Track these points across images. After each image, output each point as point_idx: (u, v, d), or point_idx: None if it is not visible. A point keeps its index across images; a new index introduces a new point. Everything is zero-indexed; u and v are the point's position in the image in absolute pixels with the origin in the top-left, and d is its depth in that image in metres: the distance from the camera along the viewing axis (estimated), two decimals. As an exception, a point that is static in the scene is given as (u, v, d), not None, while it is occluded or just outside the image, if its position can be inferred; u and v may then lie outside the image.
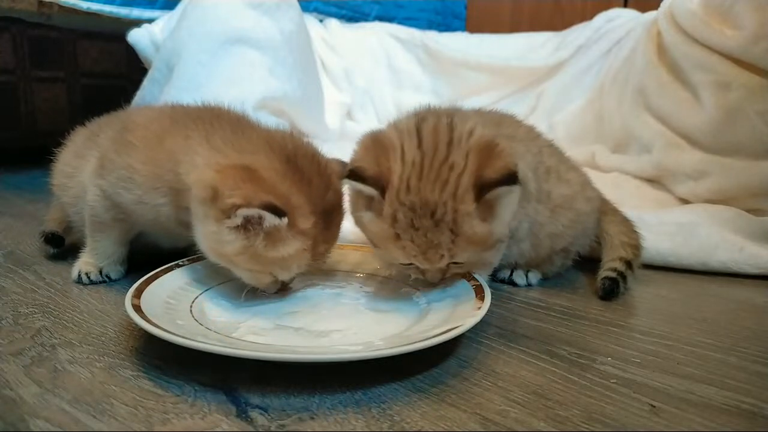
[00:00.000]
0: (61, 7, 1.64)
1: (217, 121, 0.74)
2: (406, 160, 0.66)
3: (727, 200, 1.15)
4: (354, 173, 0.66)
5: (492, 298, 0.69)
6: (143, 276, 0.71)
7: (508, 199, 0.68)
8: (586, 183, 0.92)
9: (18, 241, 1.07)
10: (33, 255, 0.98)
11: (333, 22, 2.31)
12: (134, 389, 0.54)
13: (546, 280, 0.92)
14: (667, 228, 1.03)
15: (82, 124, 0.96)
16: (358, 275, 0.84)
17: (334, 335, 0.64)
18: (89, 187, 0.80)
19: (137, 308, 0.61)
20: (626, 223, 0.93)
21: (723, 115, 1.17)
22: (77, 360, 0.60)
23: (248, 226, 0.64)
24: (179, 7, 1.59)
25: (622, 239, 0.90)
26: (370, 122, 2.04)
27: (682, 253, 1.00)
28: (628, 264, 0.87)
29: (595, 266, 0.91)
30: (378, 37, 2.34)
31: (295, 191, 0.66)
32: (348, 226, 0.75)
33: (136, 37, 1.59)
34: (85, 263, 0.85)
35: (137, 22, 1.68)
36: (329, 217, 0.70)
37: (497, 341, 0.67)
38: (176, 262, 0.78)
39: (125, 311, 0.61)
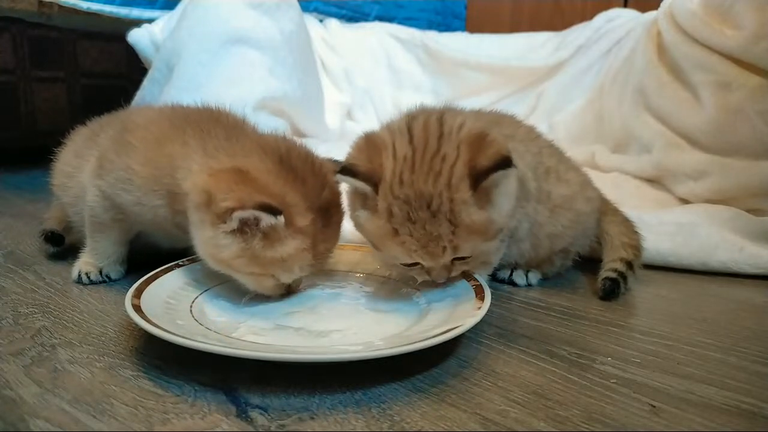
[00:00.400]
0: (61, 7, 1.64)
1: (214, 127, 0.74)
2: (398, 156, 0.66)
3: (727, 200, 1.15)
4: (346, 169, 0.66)
5: (492, 298, 0.69)
6: (143, 276, 0.71)
7: (505, 186, 0.68)
8: (586, 183, 0.92)
9: (18, 241, 1.07)
10: (33, 255, 0.98)
11: (333, 22, 2.31)
12: (134, 389, 0.54)
13: (546, 280, 0.92)
14: (667, 228, 1.03)
15: (82, 124, 0.96)
16: (357, 275, 0.84)
17: (334, 335, 0.64)
18: (89, 188, 0.80)
19: (137, 308, 0.61)
20: (627, 224, 0.93)
21: (723, 115, 1.17)
22: (77, 360, 0.60)
23: (245, 228, 0.64)
24: (179, 7, 1.59)
25: (622, 240, 0.90)
26: (370, 122, 2.03)
27: (682, 253, 1.00)
28: (629, 264, 0.87)
29: (595, 266, 0.91)
30: (378, 37, 2.34)
31: (290, 190, 0.66)
32: (348, 226, 0.75)
33: (136, 37, 1.59)
34: (85, 263, 0.85)
35: (137, 22, 1.68)
36: (327, 215, 0.70)
37: (497, 341, 0.67)
38: (176, 262, 0.78)
39: (125, 311, 0.61)
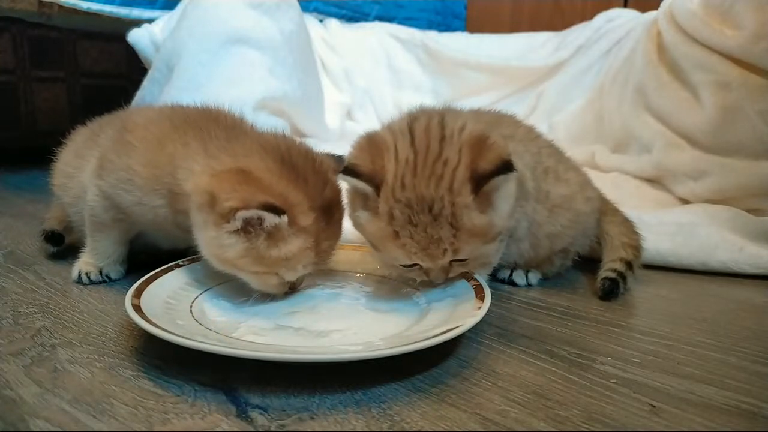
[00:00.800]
0: (61, 7, 1.64)
1: (214, 127, 0.74)
2: (400, 159, 0.66)
3: (727, 200, 1.15)
4: (349, 169, 0.66)
5: (492, 298, 0.69)
6: (143, 276, 0.71)
7: (505, 189, 0.68)
8: (586, 183, 0.92)
9: (18, 241, 1.07)
10: (33, 255, 0.98)
11: (333, 22, 2.31)
12: (134, 389, 0.54)
13: (546, 280, 0.92)
14: (667, 228, 1.03)
15: (82, 124, 0.96)
16: (357, 275, 0.84)
17: (334, 335, 0.64)
18: (89, 187, 0.81)
19: (137, 308, 0.61)
20: (627, 224, 0.93)
21: (723, 115, 1.17)
22: (77, 360, 0.60)
23: (248, 228, 0.64)
24: (179, 7, 1.59)
25: (622, 240, 0.90)
26: (370, 122, 2.03)
27: (682, 253, 1.00)
28: (629, 265, 0.87)
29: (595, 266, 0.91)
30: (378, 37, 2.34)
31: (292, 189, 0.66)
32: (349, 226, 0.75)
33: (136, 37, 1.59)
34: (85, 263, 0.85)
35: (137, 22, 1.68)
36: (329, 213, 0.70)
37: (497, 341, 0.67)
38: (176, 262, 0.78)
39: (125, 311, 0.61)
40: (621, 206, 0.97)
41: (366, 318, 0.70)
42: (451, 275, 0.71)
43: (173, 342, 0.55)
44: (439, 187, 0.64)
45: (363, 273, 0.84)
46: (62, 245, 0.99)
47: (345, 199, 0.74)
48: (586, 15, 2.20)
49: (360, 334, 0.64)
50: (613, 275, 0.84)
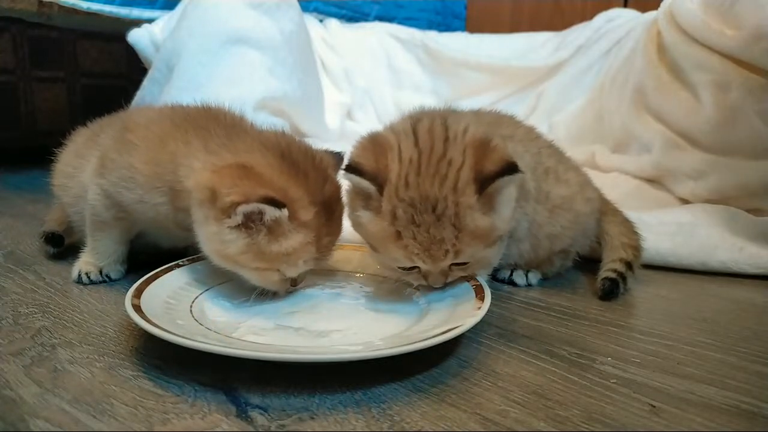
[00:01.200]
0: (61, 7, 1.64)
1: (214, 125, 0.74)
2: (404, 158, 0.66)
3: (727, 200, 1.15)
4: (352, 167, 0.66)
5: (492, 298, 0.69)
6: (143, 276, 0.71)
7: (507, 193, 0.69)
8: (586, 183, 0.92)
9: (18, 241, 1.07)
10: (33, 255, 0.98)
11: (333, 22, 2.31)
12: (134, 389, 0.54)
13: (546, 281, 0.92)
14: (667, 228, 1.03)
15: (82, 124, 0.96)
16: (358, 275, 0.84)
17: (334, 335, 0.64)
18: (90, 187, 0.81)
19: (137, 308, 0.61)
20: (627, 224, 0.93)
21: (723, 115, 1.16)
22: (77, 360, 0.60)
23: (249, 223, 0.64)
24: (179, 7, 1.59)
25: (622, 240, 0.90)
26: (370, 122, 2.04)
27: (682, 253, 1.00)
28: (628, 265, 0.87)
29: (595, 266, 0.91)
30: (378, 37, 2.34)
31: (292, 184, 0.66)
32: (348, 225, 0.75)
33: (136, 37, 1.59)
34: (85, 263, 0.85)
35: (137, 22, 1.68)
36: (330, 208, 0.70)
37: (497, 341, 0.67)
38: (176, 262, 0.78)
39: (125, 311, 0.61)
40: (621, 206, 0.97)
41: (366, 318, 0.70)
42: (449, 280, 0.71)
43: (173, 342, 0.55)
44: (444, 187, 0.64)
45: (363, 273, 0.84)
46: (62, 247, 0.99)
47: (345, 199, 0.74)
48: (586, 15, 2.20)
49: (360, 334, 0.64)
50: (613, 275, 0.84)
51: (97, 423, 0.48)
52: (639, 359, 0.63)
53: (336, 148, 0.82)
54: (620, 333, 0.71)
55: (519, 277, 0.89)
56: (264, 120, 1.40)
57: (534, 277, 0.90)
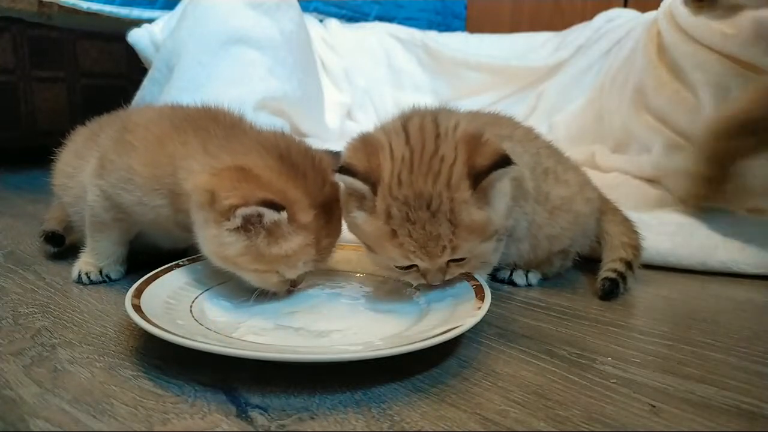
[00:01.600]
0: (61, 7, 1.64)
1: (213, 126, 0.74)
2: (395, 157, 0.66)
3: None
4: (344, 169, 0.66)
5: (492, 298, 0.69)
6: (143, 276, 0.71)
7: (501, 187, 0.68)
8: (585, 183, 0.92)
9: (18, 241, 1.07)
10: (33, 255, 0.98)
11: (333, 22, 2.31)
12: (134, 389, 0.54)
13: (546, 280, 0.92)
14: (667, 228, 1.03)
15: (82, 124, 0.96)
16: (357, 275, 0.84)
17: (334, 335, 0.64)
18: (89, 187, 0.81)
19: (137, 308, 0.61)
20: (626, 224, 0.93)
21: (723, 115, 1.16)
22: (77, 360, 0.60)
23: (248, 225, 0.64)
24: (179, 7, 1.59)
25: (622, 240, 0.90)
26: (370, 122, 2.01)
27: (682, 253, 1.00)
28: (628, 264, 0.87)
29: (595, 266, 0.91)
30: (378, 37, 2.34)
31: (292, 186, 0.66)
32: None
33: (136, 37, 1.59)
34: (85, 263, 0.85)
35: (137, 22, 1.68)
36: (329, 210, 0.70)
37: (497, 341, 0.67)
38: (176, 262, 0.78)
39: (125, 311, 0.61)
40: (621, 206, 0.97)
41: (366, 318, 0.70)
42: (448, 277, 0.70)
43: (173, 342, 0.55)
44: (437, 183, 0.64)
45: (363, 273, 0.84)
46: (62, 246, 0.99)
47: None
48: (586, 15, 2.20)
49: (360, 334, 0.64)
50: (613, 275, 0.84)
51: (97, 423, 0.48)
52: (639, 359, 0.63)
53: (336, 148, 0.82)
54: (620, 333, 0.71)
55: (519, 277, 0.89)
56: (264, 120, 1.40)
57: (534, 277, 0.90)
